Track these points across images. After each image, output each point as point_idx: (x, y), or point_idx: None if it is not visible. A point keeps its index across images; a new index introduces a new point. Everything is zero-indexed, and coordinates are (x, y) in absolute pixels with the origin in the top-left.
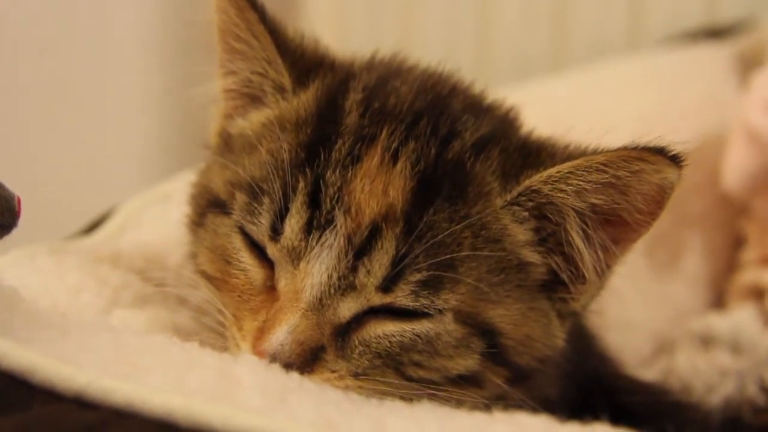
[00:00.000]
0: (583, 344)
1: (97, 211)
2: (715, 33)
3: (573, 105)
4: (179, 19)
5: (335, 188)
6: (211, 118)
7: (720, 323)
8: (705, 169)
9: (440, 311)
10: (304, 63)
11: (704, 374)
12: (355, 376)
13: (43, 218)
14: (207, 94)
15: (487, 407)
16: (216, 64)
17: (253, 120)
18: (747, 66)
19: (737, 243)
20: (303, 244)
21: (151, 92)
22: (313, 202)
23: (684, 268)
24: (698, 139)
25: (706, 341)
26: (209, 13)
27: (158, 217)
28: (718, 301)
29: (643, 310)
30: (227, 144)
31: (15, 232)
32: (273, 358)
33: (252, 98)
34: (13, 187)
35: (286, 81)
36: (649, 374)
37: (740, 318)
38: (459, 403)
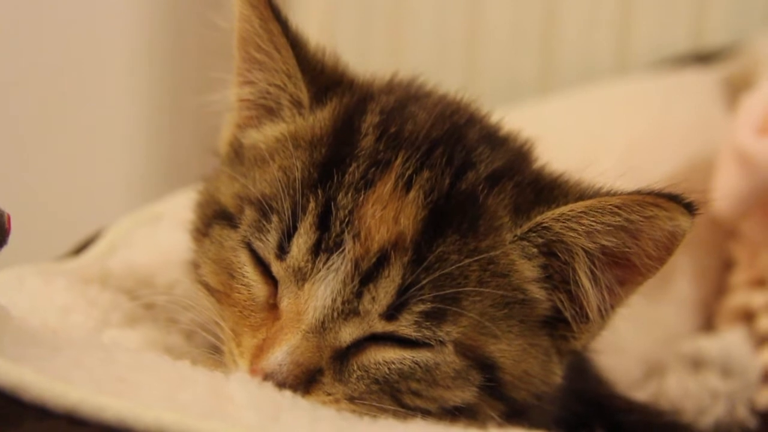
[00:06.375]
0: (579, 366)
1: (87, 231)
2: (702, 58)
3: (561, 129)
4: (170, 37)
5: (346, 211)
6: (223, 127)
7: (710, 346)
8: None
9: (441, 342)
10: (323, 80)
11: (695, 397)
12: (351, 400)
13: (33, 239)
14: (206, 106)
15: None
16: (233, 72)
17: (267, 133)
18: (735, 90)
19: (726, 266)
20: (309, 265)
21: (142, 113)
22: (323, 223)
23: (673, 290)
24: (686, 164)
25: (697, 364)
26: (231, 21)
27: (148, 237)
28: (708, 323)
29: (633, 332)
30: (238, 154)
31: (4, 252)
32: (269, 377)
33: (268, 110)
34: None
35: (304, 96)
36: (640, 397)
37: (730, 341)
38: None
